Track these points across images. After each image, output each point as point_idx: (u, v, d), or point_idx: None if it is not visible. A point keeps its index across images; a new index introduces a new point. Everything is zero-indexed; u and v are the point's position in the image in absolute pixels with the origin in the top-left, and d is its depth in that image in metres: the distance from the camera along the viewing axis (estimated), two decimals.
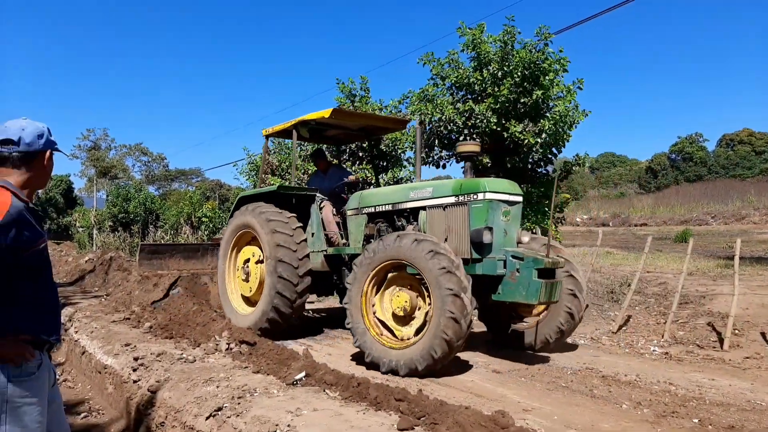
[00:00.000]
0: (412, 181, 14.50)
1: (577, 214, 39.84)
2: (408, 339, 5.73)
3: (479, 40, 9.84)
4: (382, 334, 5.93)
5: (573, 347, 7.23)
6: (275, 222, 7.35)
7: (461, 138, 9.84)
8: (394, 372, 5.54)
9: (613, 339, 7.96)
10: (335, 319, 8.69)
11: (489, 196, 6.00)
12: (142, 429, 5.18)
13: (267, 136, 8.70)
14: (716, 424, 4.32)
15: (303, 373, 5.15)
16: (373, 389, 4.54)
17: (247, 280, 7.94)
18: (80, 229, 33.84)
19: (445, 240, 6.18)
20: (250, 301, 8.03)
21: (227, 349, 6.39)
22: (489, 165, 10.14)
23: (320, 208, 7.86)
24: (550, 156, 10.14)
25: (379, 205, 7.12)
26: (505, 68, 9.41)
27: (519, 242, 6.24)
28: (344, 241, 7.63)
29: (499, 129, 9.52)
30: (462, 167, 6.91)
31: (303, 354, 5.86)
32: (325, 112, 7.49)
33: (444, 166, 11.30)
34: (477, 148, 6.63)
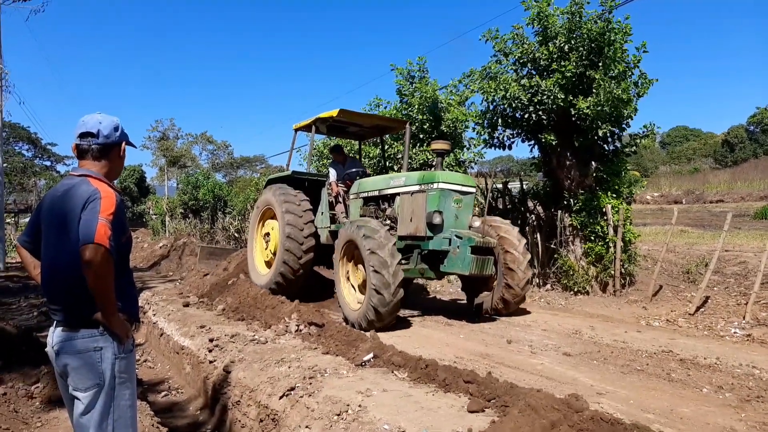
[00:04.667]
0: (474, 164, 14.34)
1: (648, 192, 38.24)
2: (361, 303, 7.04)
3: (546, 13, 9.49)
4: (351, 296, 7.41)
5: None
6: (288, 203, 8.61)
7: (526, 116, 9.57)
8: (353, 326, 6.82)
9: (691, 321, 7.64)
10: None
11: (442, 186, 7.27)
12: (219, 407, 5.40)
13: (296, 130, 9.92)
14: None
15: (371, 355, 5.21)
16: (442, 371, 4.54)
17: (267, 248, 9.32)
18: (153, 217, 35.35)
19: (410, 220, 7.45)
20: (269, 264, 9.29)
21: (297, 331, 6.55)
22: (555, 143, 9.81)
23: (329, 191, 9.12)
24: (616, 131, 9.72)
25: (370, 191, 8.52)
26: (572, 41, 9.06)
27: (470, 226, 7.42)
28: (346, 220, 8.68)
29: (565, 105, 9.19)
30: (433, 162, 8.29)
31: (370, 336, 5.93)
32: (333, 112, 8.62)
33: (510, 147, 10.91)
34: (447, 147, 7.87)
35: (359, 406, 3.89)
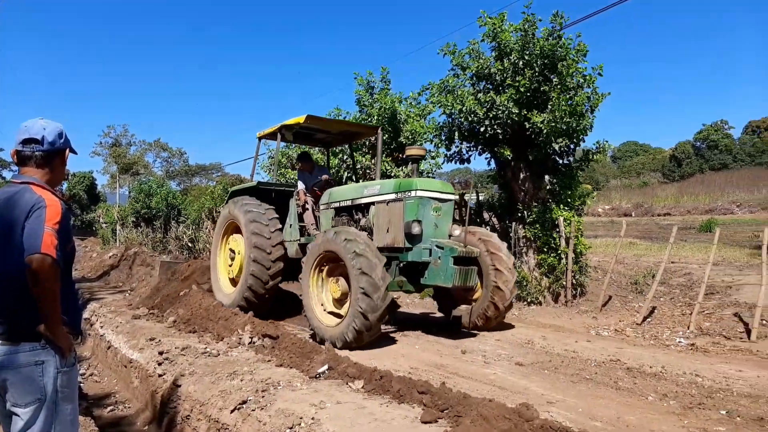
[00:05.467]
0: (433, 173, 14.47)
1: (599, 205, 39.32)
2: (341, 318, 6.50)
3: (500, 29, 9.68)
4: (326, 313, 6.86)
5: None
6: (252, 213, 8.19)
7: (482, 129, 9.73)
8: (334, 345, 6.22)
9: (638, 330, 7.87)
10: None
11: (420, 193, 6.87)
12: (168, 421, 5.26)
13: (260, 138, 9.44)
14: (745, 415, 4.25)
15: (326, 366, 5.17)
16: (396, 382, 4.54)
17: (232, 264, 8.83)
18: (104, 225, 34.36)
19: (387, 231, 7.08)
20: (235, 282, 8.77)
21: (250, 343, 6.45)
22: (510, 156, 10.01)
23: (298, 202, 8.60)
24: (570, 145, 9.99)
25: (342, 201, 8.01)
26: (526, 57, 9.27)
27: (450, 235, 7.05)
28: (317, 232, 8.23)
29: (520, 120, 9.38)
30: (410, 168, 7.85)
31: (325, 347, 5.89)
32: (301, 118, 8.21)
33: (468, 160, 10.98)
34: (423, 152, 7.52)
35: (312, 419, 3.85)
